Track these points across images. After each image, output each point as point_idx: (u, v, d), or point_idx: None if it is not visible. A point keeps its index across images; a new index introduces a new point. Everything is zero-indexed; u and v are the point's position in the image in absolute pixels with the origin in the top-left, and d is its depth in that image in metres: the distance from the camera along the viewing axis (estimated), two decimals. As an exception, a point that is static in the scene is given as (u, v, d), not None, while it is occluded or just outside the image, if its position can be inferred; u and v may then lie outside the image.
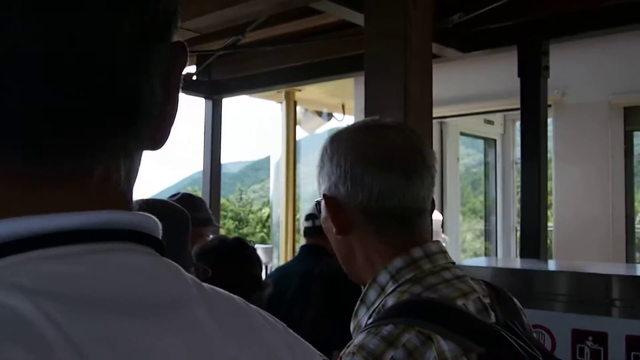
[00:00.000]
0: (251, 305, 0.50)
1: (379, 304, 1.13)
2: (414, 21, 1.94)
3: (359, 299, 1.18)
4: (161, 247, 0.44)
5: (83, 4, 0.39)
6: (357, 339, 1.03)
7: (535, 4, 3.20)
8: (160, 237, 0.45)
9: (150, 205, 1.60)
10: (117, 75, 0.42)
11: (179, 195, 2.60)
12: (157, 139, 0.48)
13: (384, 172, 1.16)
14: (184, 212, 1.71)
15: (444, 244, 1.27)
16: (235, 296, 0.49)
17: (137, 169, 0.47)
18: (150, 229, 0.44)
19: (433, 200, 1.26)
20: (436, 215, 3.96)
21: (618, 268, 3.08)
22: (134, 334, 0.38)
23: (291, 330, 0.53)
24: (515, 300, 1.21)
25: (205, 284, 0.47)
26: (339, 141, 1.22)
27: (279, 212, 6.03)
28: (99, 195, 0.42)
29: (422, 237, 1.19)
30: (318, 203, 1.27)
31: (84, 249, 0.39)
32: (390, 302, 1.11)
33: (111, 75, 0.41)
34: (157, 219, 0.45)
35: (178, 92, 0.50)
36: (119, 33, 0.42)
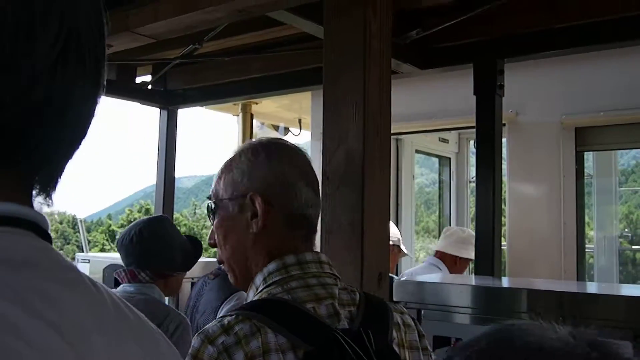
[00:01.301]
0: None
1: None
2: (373, 32, 1.93)
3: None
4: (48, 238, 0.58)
5: None
6: (208, 324, 1.19)
7: (492, 23, 3.23)
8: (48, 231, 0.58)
9: None
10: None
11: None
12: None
13: (307, 186, 1.33)
14: None
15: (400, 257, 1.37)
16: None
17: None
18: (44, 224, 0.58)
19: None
20: (394, 229, 3.97)
21: (570, 285, 3.12)
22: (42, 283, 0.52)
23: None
24: (399, 315, 1.32)
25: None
26: (272, 150, 1.34)
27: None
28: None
29: (306, 246, 1.33)
30: (215, 206, 1.38)
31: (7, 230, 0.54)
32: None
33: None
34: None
35: None
36: None
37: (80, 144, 0.60)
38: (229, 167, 1.36)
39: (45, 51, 0.52)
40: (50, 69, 0.53)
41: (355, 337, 1.17)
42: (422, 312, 2.93)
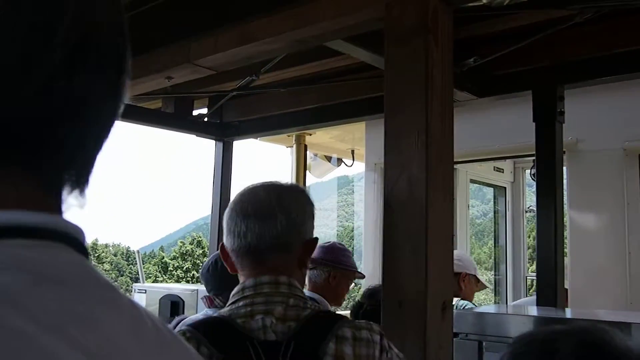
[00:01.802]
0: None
1: None
2: (435, 61, 1.92)
3: None
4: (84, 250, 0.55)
5: None
6: None
7: (551, 49, 3.19)
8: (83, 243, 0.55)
9: None
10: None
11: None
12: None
13: (244, 218, 1.52)
14: None
15: None
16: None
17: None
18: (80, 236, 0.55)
19: (316, 238, 1.63)
20: (470, 259, 4.04)
21: (637, 317, 3.00)
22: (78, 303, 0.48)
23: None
24: (352, 330, 1.42)
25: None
26: (228, 205, 1.62)
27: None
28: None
29: (269, 269, 1.51)
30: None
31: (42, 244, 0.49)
32: None
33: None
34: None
35: None
36: None
37: (104, 143, 0.57)
38: None
39: (63, 47, 0.50)
40: (69, 66, 0.50)
41: (270, 346, 1.36)
42: (484, 343, 2.85)
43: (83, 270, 0.52)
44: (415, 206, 1.81)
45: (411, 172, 1.86)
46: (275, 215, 1.52)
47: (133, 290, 4.36)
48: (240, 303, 1.47)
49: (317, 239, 1.64)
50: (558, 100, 3.26)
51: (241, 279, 1.56)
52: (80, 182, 0.55)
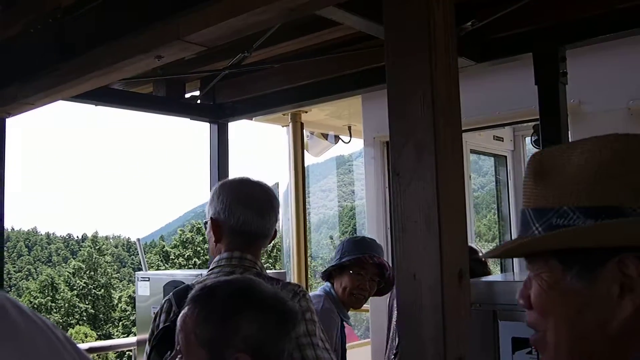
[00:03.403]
0: None
1: None
2: (437, 22, 1.83)
3: None
4: None
5: None
6: None
7: (550, 9, 3.10)
8: None
9: None
10: None
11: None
12: None
13: (246, 209, 2.07)
14: None
15: None
16: None
17: None
18: None
19: (275, 230, 2.21)
20: None
21: None
22: None
23: None
24: None
25: None
26: (225, 186, 2.17)
27: (289, 241, 5.86)
28: None
29: (250, 249, 2.10)
30: (206, 223, 2.17)
31: None
32: None
33: None
34: None
35: None
36: None
37: None
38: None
39: None
40: None
41: None
42: (497, 312, 2.79)
43: None
44: (425, 172, 1.73)
45: (418, 137, 1.78)
46: (269, 214, 2.13)
47: (136, 279, 4.29)
48: (216, 270, 2.07)
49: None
50: (560, 61, 3.17)
51: (222, 249, 2.11)
52: None
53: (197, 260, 48.80)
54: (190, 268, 39.24)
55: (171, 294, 2.03)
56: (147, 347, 2.01)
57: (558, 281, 0.88)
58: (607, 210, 0.83)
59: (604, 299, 0.83)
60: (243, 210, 2.06)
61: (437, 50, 1.81)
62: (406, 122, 1.81)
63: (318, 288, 3.36)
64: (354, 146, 6.40)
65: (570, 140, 4.10)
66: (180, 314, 1.60)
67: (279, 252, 50.54)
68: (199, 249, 51.08)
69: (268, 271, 2.40)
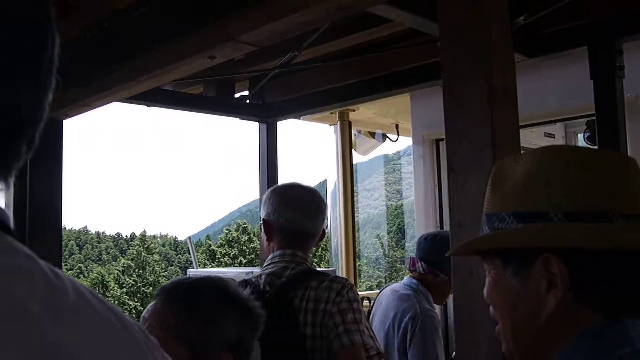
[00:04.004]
0: None
1: None
2: (493, 15, 1.80)
3: None
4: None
5: None
6: None
7: (605, 1, 3.03)
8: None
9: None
10: None
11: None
12: None
13: (293, 210, 2.25)
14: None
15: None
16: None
17: None
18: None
19: (324, 230, 2.39)
20: None
21: None
22: None
23: None
24: (317, 282, 2.09)
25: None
26: (275, 190, 2.37)
27: (336, 240, 5.86)
28: None
29: (301, 247, 2.24)
30: (261, 225, 2.36)
31: None
32: None
33: None
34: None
35: None
36: None
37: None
38: None
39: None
40: None
41: (261, 291, 2.09)
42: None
43: None
44: (482, 170, 1.70)
45: (474, 134, 1.76)
46: (317, 217, 2.28)
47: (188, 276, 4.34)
48: (265, 265, 2.27)
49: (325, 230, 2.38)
50: (617, 54, 3.09)
51: (275, 248, 2.29)
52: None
53: (242, 258, 49.30)
54: (236, 266, 39.65)
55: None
56: None
57: (501, 278, 1.01)
58: (533, 216, 0.96)
59: (534, 294, 0.95)
60: (290, 210, 2.24)
61: (493, 45, 1.79)
62: (462, 119, 1.79)
63: (396, 284, 3.27)
64: (399, 145, 6.37)
65: (627, 135, 4.00)
66: (151, 308, 1.60)
67: (324, 252, 50.62)
68: (244, 247, 51.58)
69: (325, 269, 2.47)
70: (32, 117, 0.65)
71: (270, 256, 2.28)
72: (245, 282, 2.13)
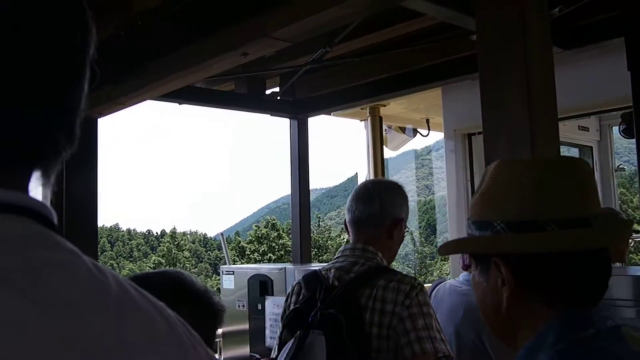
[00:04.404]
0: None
1: None
2: (531, 7, 1.78)
3: None
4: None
5: None
6: None
7: (642, -10, 2.96)
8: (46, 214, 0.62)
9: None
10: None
11: None
12: None
13: (356, 203, 2.25)
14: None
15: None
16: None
17: None
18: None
19: (394, 220, 2.27)
20: None
21: None
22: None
23: None
24: (384, 282, 2.04)
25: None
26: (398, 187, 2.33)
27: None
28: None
29: (361, 237, 2.22)
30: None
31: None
32: None
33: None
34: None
35: None
36: None
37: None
38: None
39: None
40: None
41: (329, 286, 2.08)
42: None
43: (38, 237, 0.59)
44: (521, 164, 1.68)
45: (512, 128, 1.73)
46: (373, 200, 2.21)
47: (221, 272, 4.38)
48: (334, 259, 2.24)
49: (402, 218, 2.25)
50: (655, 45, 3.03)
51: (349, 241, 2.30)
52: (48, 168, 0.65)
53: (272, 255, 49.46)
54: (265, 263, 39.86)
55: (301, 277, 2.25)
56: (280, 326, 2.20)
57: (475, 274, 1.18)
58: (484, 225, 1.10)
59: (494, 290, 1.10)
60: (355, 204, 2.26)
61: (531, 37, 1.76)
62: (500, 113, 1.77)
63: (452, 281, 3.22)
64: (428, 140, 6.33)
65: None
66: None
67: (353, 247, 50.44)
68: (273, 244, 51.74)
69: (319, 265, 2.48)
70: (68, 103, 0.65)
71: (342, 248, 2.28)
72: (316, 275, 2.17)
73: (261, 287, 3.98)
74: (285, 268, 3.95)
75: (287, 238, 53.17)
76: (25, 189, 0.63)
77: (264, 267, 4.29)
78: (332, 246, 54.72)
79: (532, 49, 1.76)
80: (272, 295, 3.89)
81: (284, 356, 2.02)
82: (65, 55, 0.65)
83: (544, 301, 1.06)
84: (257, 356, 3.91)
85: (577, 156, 6.22)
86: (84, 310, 0.55)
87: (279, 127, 4.76)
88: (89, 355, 0.53)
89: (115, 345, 0.55)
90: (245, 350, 4.07)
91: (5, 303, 0.51)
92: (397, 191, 2.28)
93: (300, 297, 2.17)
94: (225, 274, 4.33)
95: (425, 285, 3.18)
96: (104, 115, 3.62)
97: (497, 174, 1.12)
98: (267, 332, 3.68)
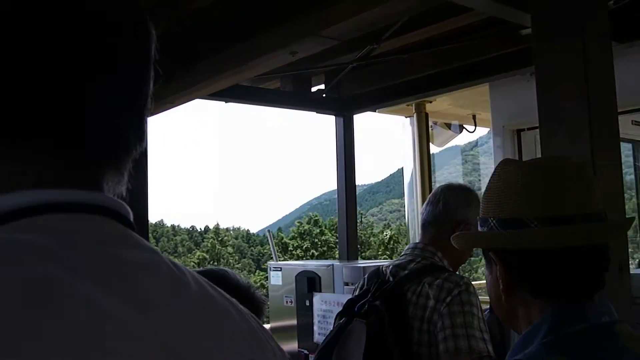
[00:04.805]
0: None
1: None
2: (590, 2, 1.74)
3: None
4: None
5: None
6: None
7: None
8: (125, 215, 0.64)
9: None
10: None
11: None
12: None
13: (426, 205, 2.34)
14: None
15: None
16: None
17: None
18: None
19: (458, 221, 2.27)
20: None
21: None
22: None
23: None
24: (431, 279, 2.08)
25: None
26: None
27: (412, 232, 5.81)
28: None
29: (425, 236, 2.29)
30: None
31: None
32: None
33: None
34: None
35: None
36: None
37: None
38: None
39: None
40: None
41: (384, 281, 2.18)
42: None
43: (120, 236, 0.61)
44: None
45: (570, 123, 1.70)
46: (438, 201, 2.27)
47: (269, 269, 4.41)
48: (401, 256, 2.31)
49: (466, 220, 2.23)
50: None
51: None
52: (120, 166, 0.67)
53: (314, 251, 49.60)
54: (308, 259, 39.99)
55: (367, 273, 2.36)
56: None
57: (485, 268, 1.26)
58: (483, 222, 1.18)
59: (495, 282, 1.17)
60: (425, 206, 2.34)
61: (589, 31, 1.72)
62: (558, 109, 1.74)
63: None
64: (473, 136, 6.24)
65: None
66: None
67: (395, 244, 50.37)
68: (316, 240, 51.89)
69: (385, 262, 2.50)
70: (137, 102, 0.67)
71: (406, 247, 2.38)
72: (377, 271, 2.28)
73: (309, 283, 3.99)
74: (333, 265, 3.95)
75: (330, 234, 53.30)
76: (101, 188, 0.65)
77: (311, 264, 4.30)
78: (375, 242, 54.57)
79: (590, 43, 1.72)
80: (320, 291, 3.90)
81: (325, 341, 2.15)
82: (137, 57, 0.66)
83: (536, 295, 1.12)
84: (305, 351, 3.93)
85: (630, 152, 6.06)
86: (169, 307, 0.56)
87: (323, 123, 4.77)
88: (176, 354, 0.54)
89: (196, 342, 0.57)
90: (293, 345, 4.10)
91: (99, 301, 0.51)
92: (462, 193, 2.30)
93: (359, 291, 2.29)
94: (273, 270, 4.36)
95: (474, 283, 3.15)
96: (153, 115, 3.67)
97: (496, 173, 1.19)
98: (315, 327, 3.69)
